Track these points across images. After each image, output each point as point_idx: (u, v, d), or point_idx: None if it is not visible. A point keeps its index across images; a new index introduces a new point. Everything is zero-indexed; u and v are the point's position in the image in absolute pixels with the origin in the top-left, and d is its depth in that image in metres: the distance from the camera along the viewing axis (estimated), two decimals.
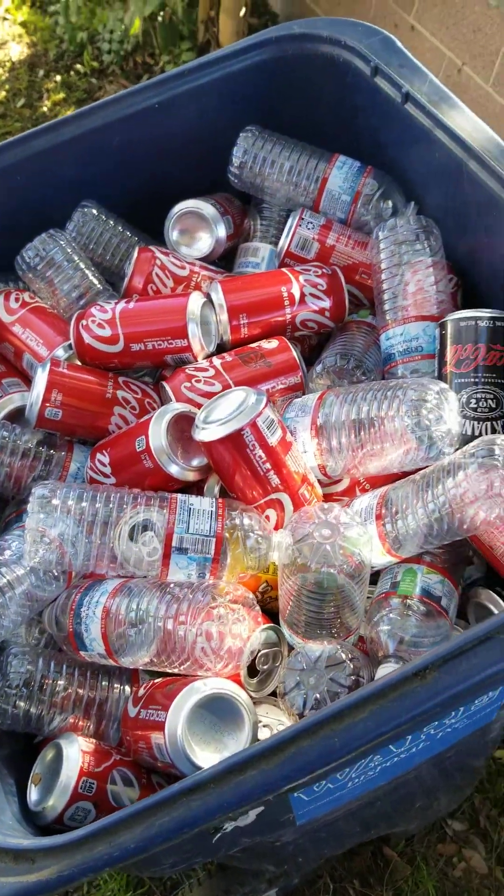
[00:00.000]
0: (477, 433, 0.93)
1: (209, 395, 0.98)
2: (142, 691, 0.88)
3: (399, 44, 1.13)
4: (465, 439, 0.92)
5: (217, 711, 0.81)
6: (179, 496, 0.90)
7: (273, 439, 0.89)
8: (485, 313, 0.94)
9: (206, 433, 0.90)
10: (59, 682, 0.91)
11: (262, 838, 1.00)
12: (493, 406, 0.93)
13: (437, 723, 0.94)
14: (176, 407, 0.96)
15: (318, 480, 0.99)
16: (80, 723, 0.92)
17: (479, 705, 0.97)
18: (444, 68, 2.99)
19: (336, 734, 0.70)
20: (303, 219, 1.13)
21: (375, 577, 0.97)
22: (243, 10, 2.51)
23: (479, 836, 1.76)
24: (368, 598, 0.94)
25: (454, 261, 1.13)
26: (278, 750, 0.69)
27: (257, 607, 0.88)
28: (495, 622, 0.72)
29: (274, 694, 0.90)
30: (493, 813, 1.78)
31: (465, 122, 1.04)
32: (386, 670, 0.84)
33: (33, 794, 0.87)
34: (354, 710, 0.70)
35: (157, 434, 0.92)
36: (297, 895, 1.68)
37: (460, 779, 1.53)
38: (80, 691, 0.92)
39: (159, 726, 0.80)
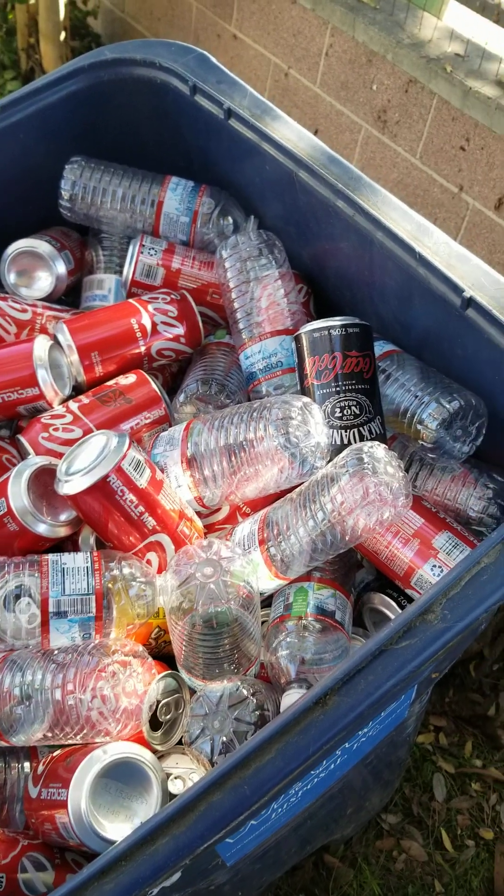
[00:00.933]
0: (346, 441, 0.92)
1: (70, 443, 0.93)
2: (41, 767, 0.83)
3: (214, 60, 1.12)
4: (336, 449, 0.92)
5: (122, 777, 0.77)
6: (51, 557, 0.85)
7: (142, 481, 0.86)
8: (336, 322, 0.94)
9: (70, 486, 0.85)
10: None
11: (194, 888, 0.97)
12: (358, 412, 0.93)
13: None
14: (35, 461, 0.91)
15: (197, 513, 0.96)
16: None
17: (389, 710, 0.97)
18: (272, 73, 3.03)
19: (245, 782, 0.67)
20: (143, 245, 1.10)
21: (269, 599, 0.95)
22: (63, 35, 2.45)
23: (415, 824, 1.78)
24: (264, 622, 0.92)
25: (301, 270, 1.13)
26: (188, 811, 0.66)
27: (149, 658, 0.84)
28: (385, 635, 0.71)
29: (182, 742, 0.87)
30: (424, 798, 1.80)
31: (290, 133, 1.04)
32: (291, 698, 0.83)
33: None
34: (260, 753, 0.68)
35: (18, 494, 0.87)
36: None
37: (387, 774, 1.54)
38: None
39: (62, 805, 0.75)
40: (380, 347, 1.02)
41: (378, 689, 0.70)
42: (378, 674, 0.70)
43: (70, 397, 1.02)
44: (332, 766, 0.97)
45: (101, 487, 0.84)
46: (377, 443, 0.85)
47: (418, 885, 1.71)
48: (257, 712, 0.79)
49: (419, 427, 0.93)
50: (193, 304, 1.06)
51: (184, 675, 0.87)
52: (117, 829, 0.74)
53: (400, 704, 1.00)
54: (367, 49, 2.65)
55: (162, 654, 0.94)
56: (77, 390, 1.04)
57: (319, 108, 2.91)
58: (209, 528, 0.98)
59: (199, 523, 0.93)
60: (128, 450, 0.85)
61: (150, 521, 0.87)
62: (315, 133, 2.97)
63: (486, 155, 2.47)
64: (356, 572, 1.04)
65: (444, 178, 2.61)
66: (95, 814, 0.74)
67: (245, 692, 0.80)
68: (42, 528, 0.88)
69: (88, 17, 2.77)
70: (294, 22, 2.82)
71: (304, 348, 0.95)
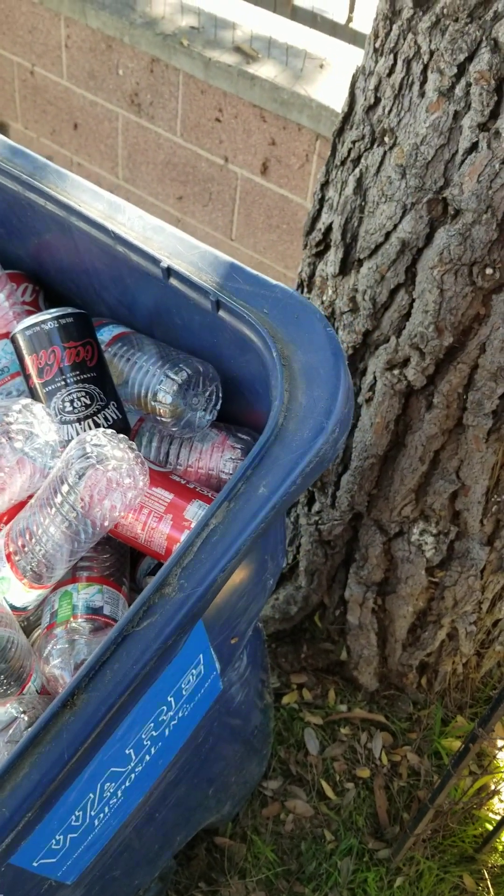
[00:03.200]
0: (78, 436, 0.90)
1: None
2: None
3: None
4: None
5: None
6: None
7: None
8: (47, 315, 0.92)
9: None
10: None
11: None
12: (89, 402, 0.91)
13: (153, 724, 0.92)
14: None
15: None
16: None
17: (190, 687, 0.97)
18: (17, 74, 2.94)
19: (2, 804, 0.64)
20: None
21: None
22: None
23: (295, 783, 1.81)
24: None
25: (24, 269, 1.10)
26: None
27: None
28: (124, 620, 0.70)
29: None
30: (300, 756, 1.84)
31: None
32: None
33: None
34: (14, 771, 0.65)
35: None
36: None
37: (245, 755, 1.54)
38: None
39: None
40: (109, 332, 1.00)
41: (126, 675, 0.69)
42: (123, 660, 0.69)
43: None
44: (149, 757, 0.96)
45: None
46: (98, 430, 0.84)
47: (310, 840, 1.74)
48: (29, 730, 0.77)
49: (155, 404, 0.93)
50: None
51: None
52: None
53: (204, 678, 1.00)
54: (103, 35, 2.62)
55: None
56: None
57: (73, 101, 2.86)
58: None
59: None
60: None
61: None
62: (75, 128, 2.92)
63: (240, 122, 2.50)
64: (142, 561, 1.03)
65: (209, 152, 2.63)
66: None
67: (14, 712, 0.78)
68: None
69: None
70: (27, 18, 2.75)
71: (22, 348, 0.92)
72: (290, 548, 1.82)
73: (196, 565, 0.73)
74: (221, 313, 0.85)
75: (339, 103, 2.29)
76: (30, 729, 0.76)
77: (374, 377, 1.52)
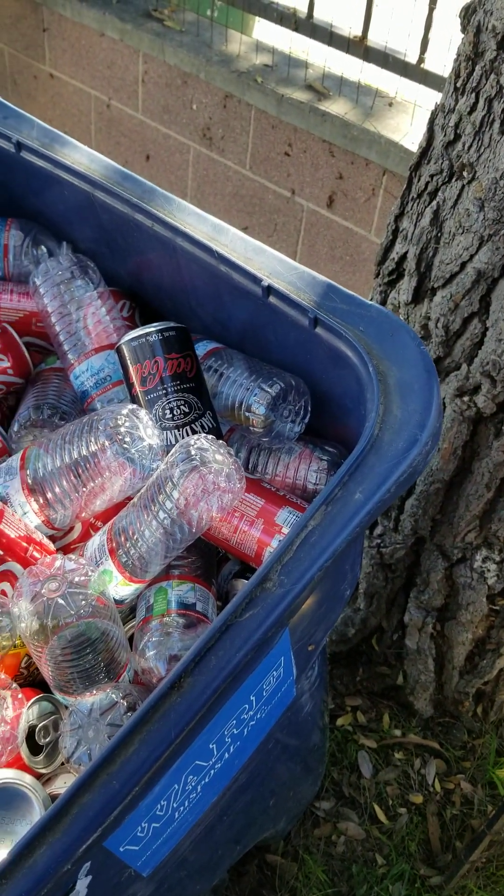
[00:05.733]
0: (182, 440, 0.95)
1: None
2: None
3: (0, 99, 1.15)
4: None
5: (6, 806, 0.77)
6: None
7: None
8: (152, 328, 0.97)
9: None
10: None
11: None
12: (187, 410, 0.96)
13: (234, 721, 0.95)
14: None
15: (50, 537, 0.97)
16: None
17: (270, 689, 1.00)
18: (94, 106, 3.07)
19: (113, 777, 0.68)
20: None
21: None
22: None
23: (348, 805, 1.82)
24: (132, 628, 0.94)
25: (122, 286, 1.16)
26: (61, 817, 0.67)
27: (14, 685, 0.85)
28: (228, 610, 0.74)
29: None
30: (353, 778, 1.85)
31: (82, 157, 1.07)
32: None
33: None
34: (124, 747, 0.69)
35: None
36: None
37: (311, 762, 1.57)
38: None
39: None
40: (204, 347, 1.06)
41: (230, 662, 0.73)
42: (227, 648, 0.73)
43: None
44: (227, 755, 1.00)
45: None
46: (201, 434, 0.89)
47: (361, 863, 1.75)
48: (129, 713, 0.81)
49: (248, 415, 0.97)
50: (15, 334, 1.07)
51: (58, 695, 0.88)
52: (2, 855, 0.74)
53: (282, 681, 1.03)
54: (180, 71, 2.73)
55: (37, 682, 0.94)
56: None
57: (146, 133, 2.97)
58: (65, 550, 0.99)
59: (50, 546, 0.94)
60: None
61: None
62: (147, 159, 3.03)
63: (309, 157, 2.58)
64: (224, 565, 1.07)
65: (276, 185, 2.71)
66: None
67: (115, 697, 0.82)
68: None
69: None
70: (106, 54, 2.88)
71: (127, 358, 0.98)
72: None
73: (295, 563, 0.77)
74: (318, 330, 0.89)
75: (407, 140, 2.36)
76: (138, 709, 0.80)
77: (444, 403, 1.55)
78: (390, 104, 2.50)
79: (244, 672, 0.75)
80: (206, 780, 0.98)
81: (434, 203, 1.49)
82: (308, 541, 0.78)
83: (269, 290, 0.92)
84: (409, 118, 2.42)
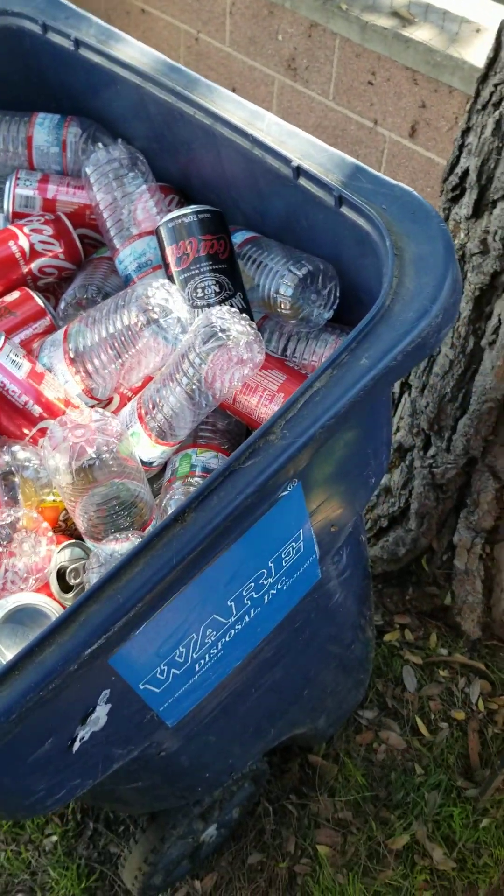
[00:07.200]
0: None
1: None
2: None
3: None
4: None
5: (27, 623, 0.86)
6: None
7: (21, 372, 0.95)
8: (188, 210, 1.03)
9: None
10: None
11: (137, 748, 1.05)
12: (218, 290, 1.01)
13: (253, 584, 1.02)
14: None
15: (90, 406, 1.05)
16: None
17: (290, 561, 1.06)
18: (184, 41, 3.10)
19: (118, 592, 0.76)
20: (19, 178, 1.19)
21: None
22: None
23: (391, 716, 1.88)
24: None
25: (171, 182, 1.22)
26: (71, 621, 0.75)
27: (45, 525, 0.93)
28: (233, 457, 0.79)
29: None
30: (397, 691, 1.90)
31: (134, 52, 1.12)
32: None
33: None
34: (129, 567, 0.76)
35: None
36: (242, 829, 1.75)
37: (342, 668, 1.61)
38: None
39: None
40: (241, 236, 1.10)
41: (230, 504, 0.78)
42: (229, 491, 0.79)
43: None
44: (247, 618, 1.06)
45: None
46: (223, 307, 0.94)
47: (399, 771, 1.80)
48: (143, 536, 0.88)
49: (277, 297, 1.02)
50: (68, 222, 1.14)
51: (89, 543, 0.96)
52: None
53: (303, 555, 1.08)
54: (266, 1, 2.72)
55: (75, 536, 1.03)
56: None
57: (233, 66, 2.99)
58: None
59: (87, 411, 1.02)
60: (3, 346, 0.94)
61: (37, 409, 0.96)
62: (233, 90, 3.05)
63: (392, 86, 2.55)
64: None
65: (359, 115, 2.69)
66: (4, 651, 0.83)
67: (136, 541, 0.89)
68: None
69: None
70: None
71: (164, 240, 1.04)
72: (403, 491, 1.87)
73: (299, 419, 0.81)
74: (343, 209, 0.93)
75: None
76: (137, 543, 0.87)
77: (500, 320, 1.55)
78: (477, 30, 2.43)
79: (246, 517, 0.80)
80: (227, 639, 1.05)
81: (497, 113, 1.47)
82: (312, 400, 0.82)
83: (299, 170, 0.95)
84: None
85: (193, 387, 0.93)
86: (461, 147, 1.61)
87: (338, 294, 1.03)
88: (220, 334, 0.90)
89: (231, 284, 1.02)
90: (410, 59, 2.43)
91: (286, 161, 0.96)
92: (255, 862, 1.73)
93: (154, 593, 0.77)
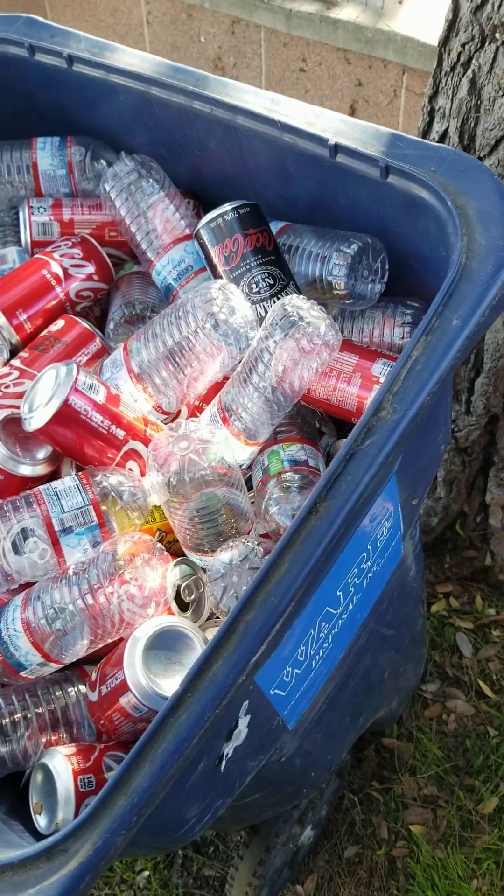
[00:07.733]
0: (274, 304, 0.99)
1: (23, 395, 0.99)
2: (94, 675, 0.89)
3: (42, 19, 1.18)
4: (262, 321, 0.99)
5: (167, 646, 0.83)
6: (41, 487, 0.91)
7: (100, 397, 0.92)
8: (226, 207, 1.01)
9: (36, 420, 0.91)
10: (16, 715, 0.90)
11: (265, 757, 1.03)
12: (272, 282, 1.00)
13: (356, 570, 1.01)
14: None
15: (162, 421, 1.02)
16: (54, 738, 0.91)
17: (383, 540, 1.05)
18: None
19: (272, 594, 0.74)
20: (31, 207, 1.15)
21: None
22: None
23: (454, 685, 1.88)
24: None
25: (184, 187, 1.20)
26: (230, 633, 0.73)
27: (160, 545, 0.90)
28: (350, 439, 0.78)
29: (214, 616, 0.94)
30: (455, 659, 1.90)
31: (131, 58, 1.10)
32: None
33: (41, 821, 0.86)
34: (277, 567, 0.75)
35: None
36: (332, 825, 1.73)
37: (413, 648, 1.62)
38: (40, 710, 0.91)
39: (122, 686, 0.81)
40: (273, 227, 1.09)
41: (358, 485, 0.77)
42: (354, 473, 0.78)
43: (9, 360, 1.07)
44: (351, 605, 1.05)
45: (66, 412, 0.90)
46: (293, 296, 0.92)
47: (474, 737, 1.81)
48: (266, 556, 0.86)
49: (330, 280, 1.01)
50: (95, 242, 1.12)
51: (194, 557, 0.94)
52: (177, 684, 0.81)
53: (392, 533, 1.08)
54: (184, 4, 2.72)
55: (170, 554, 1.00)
56: (14, 352, 1.09)
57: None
58: None
59: (163, 427, 1.00)
60: (78, 374, 0.91)
61: (120, 433, 0.93)
62: None
63: (325, 69, 2.56)
64: (321, 439, 1.12)
65: None
66: (153, 678, 0.80)
67: (250, 545, 0.87)
68: (24, 470, 0.94)
69: None
70: (108, 1, 2.87)
71: (206, 242, 1.02)
72: None
73: (405, 391, 0.80)
74: (391, 179, 0.92)
75: (423, 34, 2.32)
76: (278, 543, 0.85)
77: None
78: (400, 2, 2.47)
79: (372, 498, 0.79)
80: (336, 629, 1.04)
81: (469, 72, 1.48)
82: (414, 369, 0.81)
83: (337, 148, 0.94)
84: (423, 12, 2.39)
85: (274, 384, 0.91)
86: (431, 112, 1.63)
87: (387, 266, 1.02)
88: (299, 322, 0.89)
89: (282, 275, 1.00)
90: (341, 39, 2.45)
91: (321, 141, 0.95)
92: (352, 855, 1.71)
93: (303, 590, 0.75)
